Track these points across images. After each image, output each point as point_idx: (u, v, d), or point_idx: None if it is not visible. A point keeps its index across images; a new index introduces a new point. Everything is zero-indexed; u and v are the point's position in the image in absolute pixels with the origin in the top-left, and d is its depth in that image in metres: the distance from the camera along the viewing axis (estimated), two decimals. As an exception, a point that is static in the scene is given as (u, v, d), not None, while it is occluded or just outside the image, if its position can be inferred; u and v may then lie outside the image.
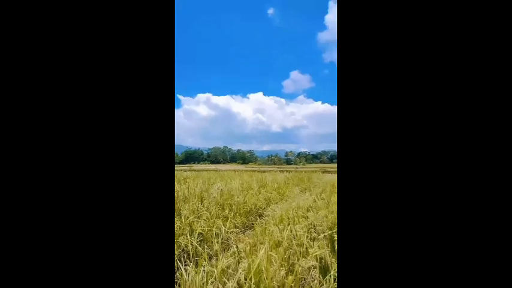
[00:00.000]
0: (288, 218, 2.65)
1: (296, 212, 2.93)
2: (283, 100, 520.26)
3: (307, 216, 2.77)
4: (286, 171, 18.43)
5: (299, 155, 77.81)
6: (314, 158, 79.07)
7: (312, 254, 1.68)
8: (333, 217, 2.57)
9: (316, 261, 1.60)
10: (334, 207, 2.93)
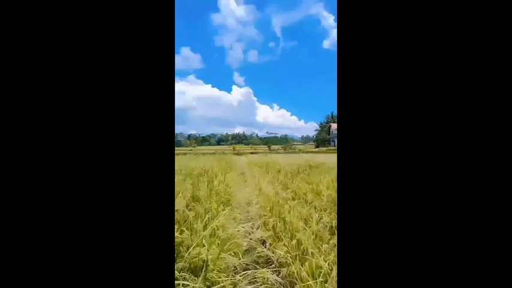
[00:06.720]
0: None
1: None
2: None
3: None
4: (184, 153, 19.44)
5: (189, 137, 77.94)
6: (204, 140, 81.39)
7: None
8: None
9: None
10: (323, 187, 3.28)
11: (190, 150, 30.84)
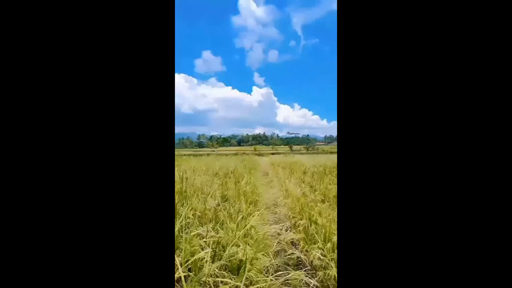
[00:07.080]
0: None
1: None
2: (194, 80, 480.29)
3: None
4: (207, 154, 19.99)
5: (211, 138, 79.65)
6: (225, 141, 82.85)
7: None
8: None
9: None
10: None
11: (213, 151, 31.66)
